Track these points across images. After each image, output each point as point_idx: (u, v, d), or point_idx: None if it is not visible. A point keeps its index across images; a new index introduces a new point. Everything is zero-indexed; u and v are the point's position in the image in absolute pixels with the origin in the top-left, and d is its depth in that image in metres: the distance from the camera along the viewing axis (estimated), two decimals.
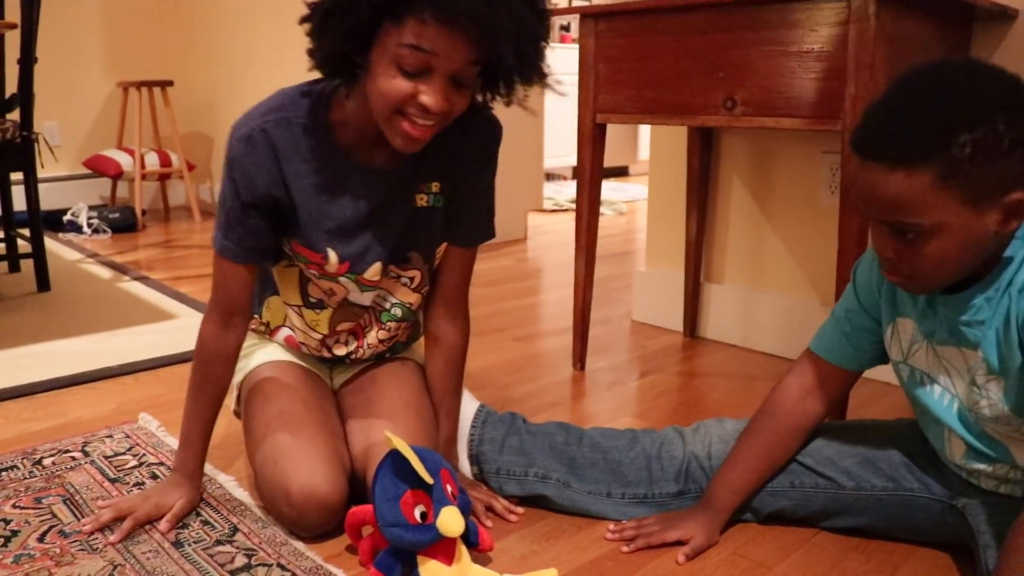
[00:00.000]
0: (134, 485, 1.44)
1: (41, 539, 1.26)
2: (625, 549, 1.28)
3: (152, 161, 4.12)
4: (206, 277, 3.02)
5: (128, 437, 1.62)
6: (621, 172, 6.86)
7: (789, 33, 1.58)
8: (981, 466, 1.17)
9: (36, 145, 2.69)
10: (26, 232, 2.79)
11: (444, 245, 1.39)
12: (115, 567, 1.19)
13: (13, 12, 2.83)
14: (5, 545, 1.24)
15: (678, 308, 2.47)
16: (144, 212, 4.26)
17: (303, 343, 1.46)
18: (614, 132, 6.22)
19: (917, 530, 1.30)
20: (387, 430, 1.21)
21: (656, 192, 2.55)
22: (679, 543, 1.27)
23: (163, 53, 4.60)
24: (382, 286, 1.38)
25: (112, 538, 1.25)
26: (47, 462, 1.51)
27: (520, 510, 1.38)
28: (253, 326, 1.49)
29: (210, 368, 1.32)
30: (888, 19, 1.50)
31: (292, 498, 1.23)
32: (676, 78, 1.76)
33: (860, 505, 1.30)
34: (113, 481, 1.45)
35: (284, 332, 1.47)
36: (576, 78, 1.97)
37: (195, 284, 2.95)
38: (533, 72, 1.17)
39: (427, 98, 1.10)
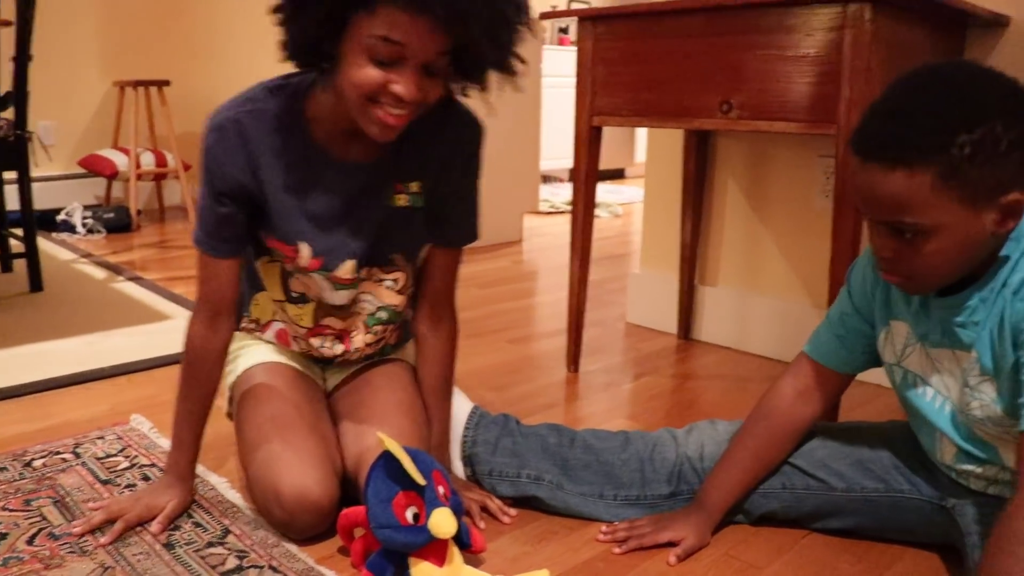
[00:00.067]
0: (126, 487, 1.43)
1: (30, 542, 1.25)
2: (617, 550, 1.28)
3: (148, 161, 4.11)
4: None
5: (120, 438, 1.62)
6: (617, 175, 6.86)
7: (785, 37, 1.59)
8: (971, 467, 1.17)
9: (30, 144, 2.69)
10: (19, 232, 2.78)
11: (427, 246, 1.39)
12: (105, 569, 1.18)
13: (8, 9, 2.82)
14: None
15: (672, 310, 2.47)
16: (139, 212, 4.26)
17: (294, 337, 1.46)
18: (611, 135, 6.25)
19: (907, 531, 1.30)
20: (380, 432, 1.21)
21: (652, 195, 2.55)
22: (671, 544, 1.28)
23: (160, 52, 4.59)
24: (366, 289, 1.37)
25: (103, 540, 1.25)
26: (37, 464, 1.51)
27: (513, 511, 1.39)
28: (244, 324, 1.49)
29: (199, 368, 1.31)
30: (883, 24, 1.51)
31: (283, 500, 1.23)
32: (673, 81, 1.77)
33: (851, 506, 1.30)
34: (104, 483, 1.44)
35: (275, 326, 1.47)
36: (574, 80, 1.97)
37: (190, 285, 2.94)
38: (508, 59, 1.17)
39: (400, 87, 1.09)
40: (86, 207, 3.98)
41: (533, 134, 3.99)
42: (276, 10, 1.12)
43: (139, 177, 4.09)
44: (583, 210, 2.00)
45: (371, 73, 1.09)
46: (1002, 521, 0.97)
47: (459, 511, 1.16)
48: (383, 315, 1.41)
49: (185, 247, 3.65)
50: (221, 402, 1.51)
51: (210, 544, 1.26)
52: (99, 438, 1.62)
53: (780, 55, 1.60)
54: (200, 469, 1.46)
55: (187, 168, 4.27)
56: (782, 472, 1.33)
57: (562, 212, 4.88)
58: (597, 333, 2.47)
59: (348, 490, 1.33)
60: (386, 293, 1.39)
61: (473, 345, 2.33)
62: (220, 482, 1.45)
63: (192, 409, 1.32)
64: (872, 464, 1.31)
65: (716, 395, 1.98)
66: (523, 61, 1.20)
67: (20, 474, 1.47)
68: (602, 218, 4.70)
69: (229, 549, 1.24)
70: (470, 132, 1.33)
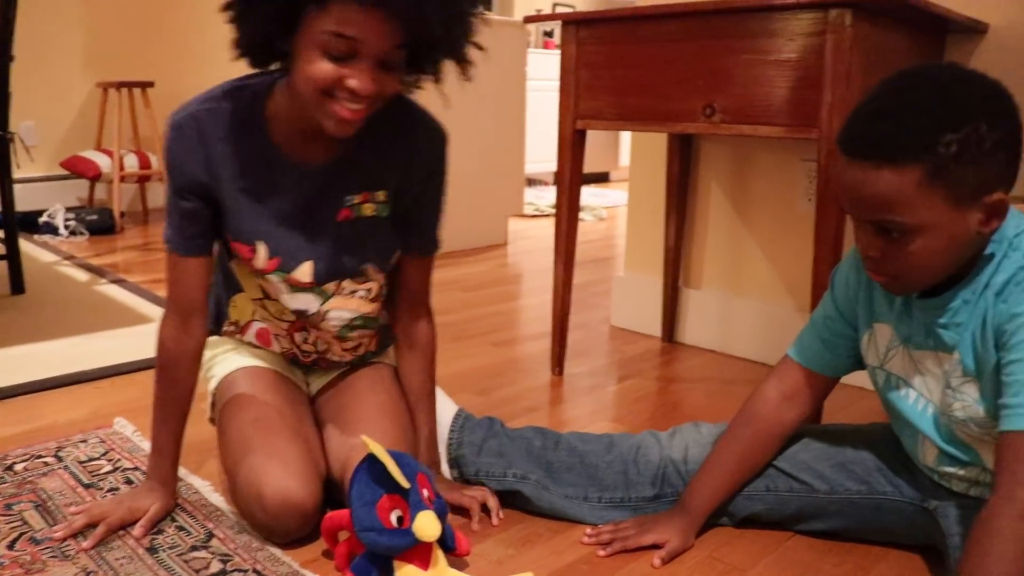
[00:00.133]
0: (109, 491, 1.42)
1: (11, 546, 1.24)
2: (601, 553, 1.29)
3: (131, 163, 4.09)
4: None
5: (103, 442, 1.61)
6: (602, 178, 6.88)
7: (767, 42, 1.60)
8: (952, 469, 1.18)
9: (11, 145, 2.67)
10: (0, 234, 2.76)
11: (398, 253, 1.39)
12: (88, 574, 1.18)
13: None
14: None
15: (656, 313, 2.48)
16: (123, 214, 4.23)
17: (275, 335, 1.45)
18: (596, 138, 6.27)
19: (890, 532, 1.31)
20: (364, 435, 1.21)
21: (636, 198, 2.56)
22: (655, 547, 1.28)
23: (144, 54, 4.57)
24: (335, 306, 1.37)
25: (85, 544, 1.24)
26: (19, 467, 1.50)
27: (502, 514, 1.39)
28: (225, 328, 1.49)
29: (172, 372, 1.31)
30: (864, 30, 1.52)
31: (266, 504, 1.23)
32: (656, 85, 1.77)
33: (834, 508, 1.31)
34: (87, 487, 1.44)
35: (255, 327, 1.46)
36: (558, 84, 1.97)
37: None
38: (463, 49, 1.17)
39: (355, 82, 1.09)
40: (69, 209, 3.96)
41: (518, 137, 3.99)
42: (227, 7, 1.12)
43: (122, 179, 4.07)
44: (567, 213, 2.00)
45: (325, 68, 1.09)
46: (982, 520, 0.98)
47: (443, 514, 1.16)
48: (357, 322, 1.41)
49: None
50: (204, 405, 1.51)
51: (193, 548, 1.25)
52: (82, 441, 1.61)
53: (762, 60, 1.61)
54: (183, 472, 1.46)
55: None
56: (766, 474, 1.34)
57: (547, 215, 4.89)
58: (581, 336, 2.47)
59: (332, 493, 1.33)
60: (358, 303, 1.39)
61: (457, 348, 2.33)
62: (203, 485, 1.44)
63: (169, 414, 1.32)
64: (855, 466, 1.31)
65: (700, 398, 1.99)
66: (480, 48, 1.20)
67: (1, 478, 1.46)
68: (587, 221, 4.71)
69: (213, 553, 1.24)
70: (433, 139, 1.33)
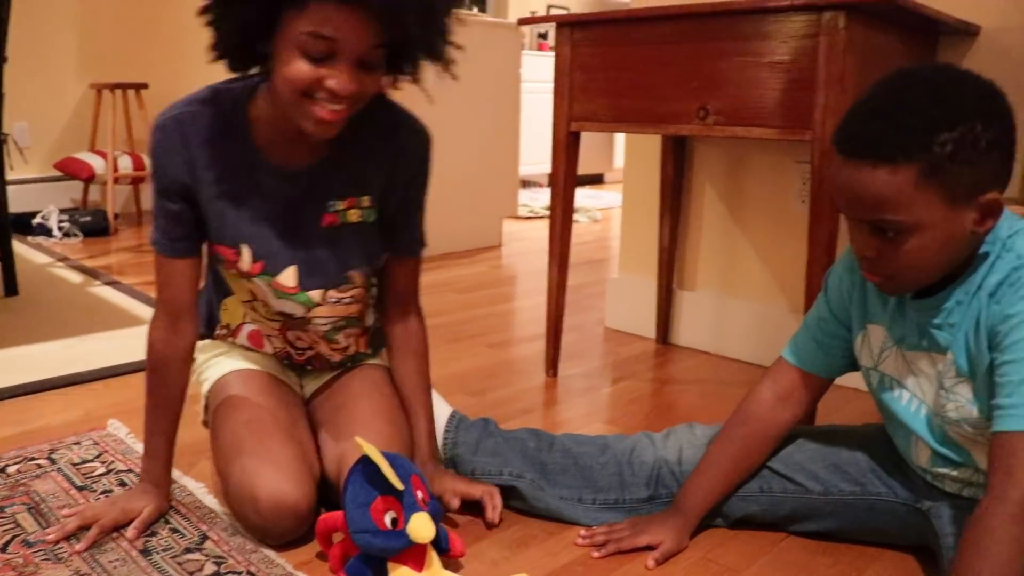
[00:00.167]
0: (102, 493, 1.42)
1: (3, 549, 1.24)
2: (595, 554, 1.29)
3: (125, 164, 4.08)
4: None
5: (96, 444, 1.61)
6: (597, 180, 6.88)
7: (761, 44, 1.60)
8: (946, 470, 1.18)
9: (5, 146, 2.66)
10: None
11: (382, 257, 1.40)
12: None
13: None
14: None
15: (651, 315, 2.48)
16: (116, 216, 4.22)
17: (267, 336, 1.45)
18: (590, 140, 6.27)
19: (883, 533, 1.31)
20: (358, 436, 1.21)
21: (630, 200, 2.56)
22: (649, 548, 1.28)
23: (138, 55, 4.56)
24: (321, 314, 1.37)
25: (78, 547, 1.23)
26: (12, 470, 1.49)
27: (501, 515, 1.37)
28: (217, 332, 1.48)
29: (163, 375, 1.31)
30: (857, 32, 1.52)
31: (260, 506, 1.22)
32: (650, 87, 1.78)
33: (828, 509, 1.31)
34: (80, 489, 1.43)
35: (247, 329, 1.46)
36: (552, 86, 1.98)
37: None
38: (442, 48, 1.17)
39: (334, 82, 1.09)
40: (62, 210, 3.95)
41: (512, 139, 3.99)
42: (204, 11, 1.12)
43: (116, 180, 4.06)
44: (561, 215, 2.01)
45: (304, 69, 1.09)
46: (975, 521, 0.99)
47: (437, 516, 1.16)
48: (342, 323, 1.41)
49: None
50: (197, 407, 1.51)
51: (187, 550, 1.25)
52: (75, 444, 1.61)
53: (756, 62, 1.61)
54: (177, 474, 1.46)
55: None
56: (760, 475, 1.34)
57: (541, 217, 4.89)
58: (576, 338, 2.47)
59: (326, 495, 1.33)
60: (344, 308, 1.39)
61: (452, 350, 2.33)
62: (197, 487, 1.44)
63: (161, 416, 1.32)
64: (849, 467, 1.32)
65: (694, 399, 1.99)
66: (459, 47, 1.20)
67: None
68: (581, 223, 4.72)
69: (207, 555, 1.24)
70: (418, 141, 1.33)
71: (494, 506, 1.35)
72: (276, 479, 1.23)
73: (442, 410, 1.50)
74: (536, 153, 5.81)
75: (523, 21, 2.06)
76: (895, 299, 1.18)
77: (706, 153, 2.32)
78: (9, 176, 2.75)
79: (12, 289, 2.74)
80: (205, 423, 1.49)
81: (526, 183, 6.32)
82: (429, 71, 1.21)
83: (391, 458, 1.14)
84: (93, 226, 3.92)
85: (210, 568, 1.20)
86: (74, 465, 1.52)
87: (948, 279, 1.10)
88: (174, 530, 1.30)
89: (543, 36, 6.74)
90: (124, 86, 4.14)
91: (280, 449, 1.28)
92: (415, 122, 1.32)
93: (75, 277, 3.07)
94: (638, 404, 1.95)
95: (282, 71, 1.10)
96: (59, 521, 1.31)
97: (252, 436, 1.29)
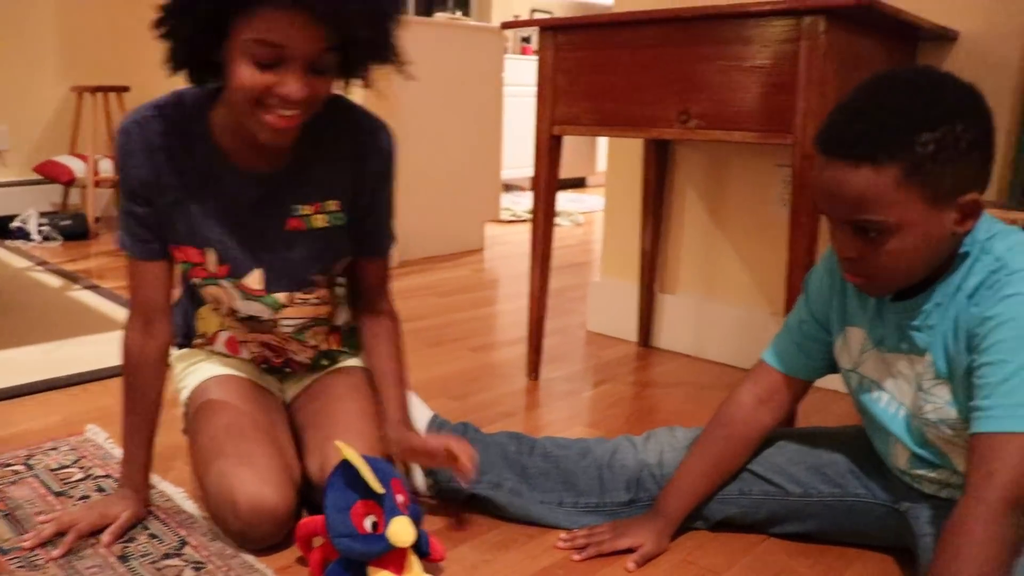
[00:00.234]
0: (80, 498, 1.41)
1: None
2: (576, 557, 1.29)
3: (106, 168, 4.05)
4: None
5: (74, 449, 1.59)
6: (579, 183, 6.89)
7: (742, 49, 1.61)
8: (924, 472, 1.19)
9: None
10: None
11: (346, 259, 1.39)
12: None
13: None
14: None
15: (632, 318, 2.49)
16: (97, 220, 4.19)
17: (243, 342, 1.44)
18: (573, 144, 6.28)
19: (862, 534, 1.32)
20: (339, 440, 1.21)
21: (612, 203, 2.57)
22: (630, 550, 1.28)
23: (119, 58, 4.53)
24: (287, 315, 1.36)
25: (54, 553, 1.22)
26: None
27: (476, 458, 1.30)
28: (196, 341, 1.48)
29: (139, 378, 1.30)
30: (837, 37, 1.53)
31: (240, 510, 1.22)
32: (632, 91, 1.78)
33: (808, 511, 1.32)
34: (58, 495, 1.42)
35: (223, 336, 1.45)
36: (535, 89, 1.98)
37: None
38: (389, 50, 1.18)
39: (285, 88, 1.09)
40: (42, 214, 3.92)
41: (495, 143, 4.00)
42: (157, 24, 1.12)
43: (97, 184, 4.03)
44: (543, 219, 2.01)
45: (256, 76, 1.09)
46: (953, 521, 0.99)
47: (418, 519, 1.16)
48: (309, 324, 1.41)
49: None
50: (177, 411, 1.50)
51: (166, 556, 1.24)
52: (52, 449, 1.59)
53: (737, 66, 1.62)
54: (155, 478, 1.45)
55: None
56: (740, 478, 1.35)
57: (523, 221, 4.90)
58: (558, 341, 2.47)
59: (310, 498, 1.32)
60: (311, 309, 1.39)
61: (434, 353, 2.33)
62: (176, 492, 1.43)
63: (139, 420, 1.31)
64: (828, 469, 1.32)
65: (675, 402, 1.99)
66: (400, 49, 1.20)
67: None
68: (563, 227, 4.72)
69: (186, 560, 1.23)
70: (381, 140, 1.33)
71: (459, 452, 1.25)
72: (256, 483, 1.23)
73: (422, 414, 1.50)
74: (519, 157, 5.81)
75: (506, 25, 2.06)
76: (874, 301, 1.19)
77: (688, 157, 2.33)
78: None
79: None
80: (185, 431, 1.47)
81: (508, 187, 6.32)
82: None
83: (371, 462, 1.13)
84: (73, 230, 3.89)
85: (189, 573, 1.19)
86: (51, 471, 1.50)
87: (927, 281, 1.11)
88: (153, 535, 1.29)
89: (526, 40, 6.75)
90: (105, 89, 4.11)
91: (260, 453, 1.27)
92: (376, 121, 1.32)
93: (54, 281, 3.05)
94: (619, 407, 1.95)
95: (234, 79, 1.11)
96: (35, 527, 1.30)
97: (231, 440, 1.29)
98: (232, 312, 1.37)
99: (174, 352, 1.51)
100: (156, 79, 4.55)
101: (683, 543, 1.34)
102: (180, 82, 1.22)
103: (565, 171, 5.90)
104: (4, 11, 4.04)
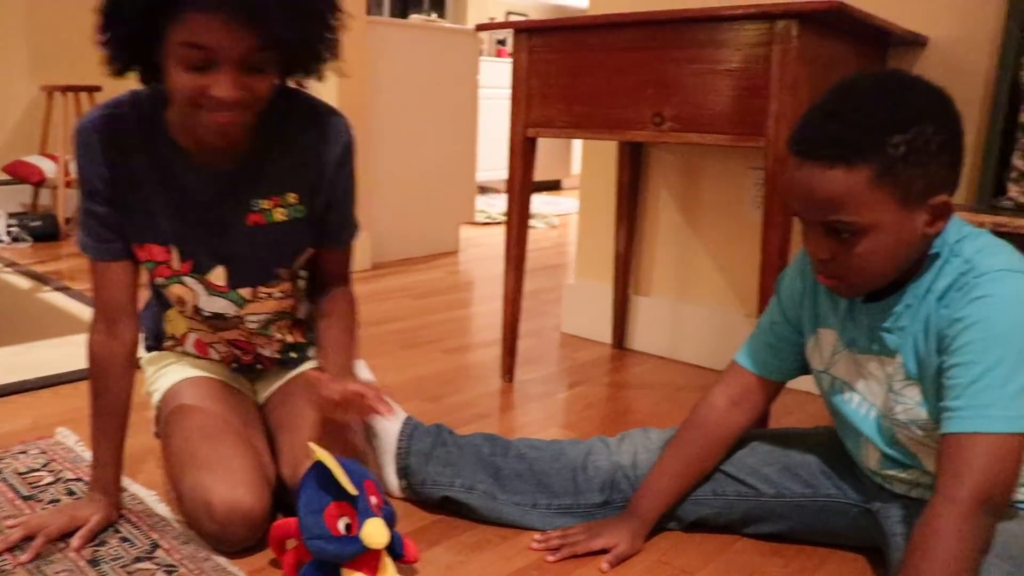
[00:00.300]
0: (49, 502, 1.39)
1: None
2: (550, 558, 1.29)
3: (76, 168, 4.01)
4: None
5: (44, 452, 1.57)
6: (554, 186, 6.91)
7: (715, 52, 1.62)
8: (894, 472, 1.20)
9: None
10: None
11: (308, 251, 1.38)
12: None
13: None
14: None
15: (607, 320, 2.50)
16: (68, 220, 4.15)
17: (210, 343, 1.44)
18: (549, 146, 6.30)
19: (834, 534, 1.33)
20: (312, 442, 1.20)
21: (586, 205, 2.57)
22: (604, 551, 1.29)
23: (90, 57, 4.47)
24: (252, 311, 1.36)
25: (22, 558, 1.21)
26: None
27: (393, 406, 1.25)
28: (166, 344, 1.47)
29: (105, 381, 1.29)
30: (809, 41, 1.55)
31: (214, 513, 1.21)
32: (606, 93, 1.79)
33: (780, 511, 1.33)
34: (26, 499, 1.40)
35: (192, 337, 1.45)
36: (510, 92, 1.98)
37: None
38: (320, 50, 1.17)
39: (217, 90, 1.09)
40: (11, 215, 3.87)
41: (470, 145, 4.00)
42: (97, 29, 1.12)
43: (68, 184, 3.99)
44: (517, 221, 2.01)
45: (189, 80, 1.09)
46: (923, 521, 1.00)
47: (392, 521, 1.16)
48: (273, 318, 1.41)
49: None
50: (148, 414, 1.49)
51: (138, 559, 1.23)
52: (21, 452, 1.57)
53: (710, 69, 1.63)
54: (127, 481, 1.43)
55: None
56: (713, 479, 1.35)
57: (498, 223, 4.90)
58: (532, 343, 2.48)
59: (281, 500, 1.31)
60: (275, 304, 1.38)
61: (408, 355, 2.32)
62: (148, 495, 1.42)
63: (107, 423, 1.30)
64: (800, 470, 1.33)
65: (649, 404, 2.00)
66: (334, 45, 1.20)
67: None
68: (538, 229, 4.73)
69: (158, 564, 1.22)
70: (338, 130, 1.32)
71: (376, 396, 1.20)
72: (230, 486, 1.22)
73: (397, 415, 1.49)
74: (494, 159, 5.81)
75: (480, 27, 2.06)
76: (846, 303, 1.20)
77: (662, 159, 2.34)
78: None
79: None
80: (157, 434, 1.46)
81: (484, 189, 6.32)
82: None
83: (344, 464, 1.13)
84: (43, 231, 3.85)
85: None
86: (20, 474, 1.48)
87: (898, 283, 1.12)
88: (124, 539, 1.28)
89: (502, 43, 6.76)
90: (76, 89, 4.07)
91: (233, 455, 1.26)
92: (333, 112, 1.32)
93: (24, 283, 3.01)
94: (594, 409, 1.95)
95: (170, 83, 1.11)
96: (3, 532, 1.28)
97: (205, 443, 1.28)
98: (197, 312, 1.36)
99: (145, 355, 1.50)
100: (127, 79, 4.52)
101: (657, 543, 1.35)
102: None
103: (540, 174, 5.93)
104: None
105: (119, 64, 1.15)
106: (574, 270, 2.64)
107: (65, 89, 4.03)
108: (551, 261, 3.81)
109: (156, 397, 1.44)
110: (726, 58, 1.61)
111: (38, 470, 1.50)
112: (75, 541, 1.24)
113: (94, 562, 1.21)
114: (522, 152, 1.97)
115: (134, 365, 1.32)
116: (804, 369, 1.33)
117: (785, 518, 1.34)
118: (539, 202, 5.71)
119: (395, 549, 1.18)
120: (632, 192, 2.34)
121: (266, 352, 1.46)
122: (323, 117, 1.30)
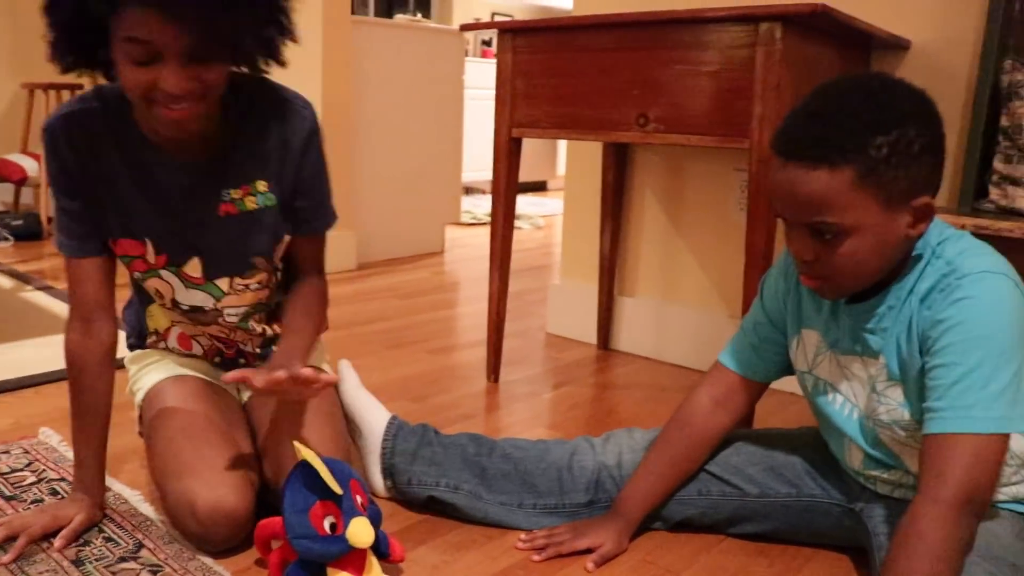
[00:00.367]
0: (32, 502, 1.38)
1: None
2: (536, 558, 1.29)
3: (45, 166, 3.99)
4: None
5: (27, 452, 1.57)
6: (540, 187, 6.91)
7: (700, 54, 1.63)
8: (878, 472, 1.21)
9: None
10: None
11: (285, 239, 1.38)
12: None
13: None
14: None
15: (592, 321, 2.50)
16: (50, 219, 4.12)
17: (194, 337, 1.43)
18: (534, 147, 6.30)
19: (818, 534, 1.34)
20: (297, 441, 1.20)
21: (571, 206, 2.58)
22: (589, 551, 1.29)
23: None
24: (230, 304, 1.36)
25: (4, 558, 1.20)
26: None
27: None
28: (149, 341, 1.46)
29: (82, 380, 1.29)
30: (793, 43, 1.56)
31: (198, 513, 1.20)
32: (591, 94, 1.79)
33: (765, 511, 1.34)
34: (9, 499, 1.39)
35: (175, 331, 1.44)
36: (495, 92, 1.98)
37: None
38: (265, 31, 1.16)
39: (164, 84, 1.08)
40: None
41: (455, 145, 4.00)
42: (47, 30, 1.12)
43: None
44: (502, 221, 2.01)
45: (136, 75, 1.08)
46: (906, 521, 1.01)
47: (377, 520, 1.16)
48: (251, 310, 1.40)
49: None
50: (132, 414, 1.48)
51: (122, 559, 1.22)
52: (4, 452, 1.56)
53: (695, 71, 1.64)
54: (110, 481, 1.43)
55: None
56: (698, 479, 1.36)
57: (484, 223, 4.90)
58: (517, 343, 2.48)
59: (266, 500, 1.31)
60: (252, 295, 1.38)
61: (393, 356, 2.32)
62: (133, 495, 1.41)
63: (88, 423, 1.29)
64: (785, 470, 1.34)
65: (634, 404, 2.01)
66: (286, 28, 1.19)
67: None
68: (524, 230, 4.73)
69: (142, 564, 1.21)
70: (302, 114, 1.31)
71: (318, 379, 1.16)
72: (214, 486, 1.21)
73: (381, 416, 1.49)
74: (479, 160, 5.82)
75: (465, 27, 2.06)
76: (829, 304, 1.21)
77: (646, 160, 2.35)
78: None
79: None
80: (141, 433, 1.45)
81: (469, 189, 6.32)
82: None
83: (329, 463, 1.13)
84: (25, 230, 3.82)
85: None
86: (2, 475, 1.47)
87: (881, 284, 1.13)
88: (108, 539, 1.27)
89: (487, 43, 6.76)
90: (58, 86, 4.04)
91: (217, 455, 1.26)
92: (299, 99, 1.31)
93: (6, 282, 2.99)
94: (579, 409, 1.96)
95: (121, 78, 1.10)
96: None
97: (188, 442, 1.27)
98: (175, 305, 1.36)
99: (127, 354, 1.49)
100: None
101: (642, 543, 1.35)
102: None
103: (526, 175, 5.93)
104: None
105: (64, 61, 1.14)
106: (559, 271, 2.65)
107: (47, 87, 4.00)
108: (536, 262, 3.81)
109: (139, 396, 1.44)
110: (710, 60, 1.62)
111: (21, 470, 1.49)
112: (58, 541, 1.24)
113: (78, 562, 1.21)
114: (507, 153, 1.97)
115: (112, 363, 1.32)
116: (788, 370, 1.34)
117: (770, 518, 1.34)
118: (524, 203, 5.72)
119: (381, 549, 1.18)
120: (617, 193, 2.35)
121: (247, 347, 1.45)
122: (287, 103, 1.29)
